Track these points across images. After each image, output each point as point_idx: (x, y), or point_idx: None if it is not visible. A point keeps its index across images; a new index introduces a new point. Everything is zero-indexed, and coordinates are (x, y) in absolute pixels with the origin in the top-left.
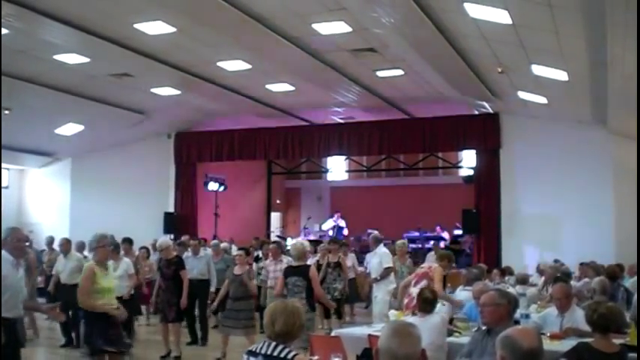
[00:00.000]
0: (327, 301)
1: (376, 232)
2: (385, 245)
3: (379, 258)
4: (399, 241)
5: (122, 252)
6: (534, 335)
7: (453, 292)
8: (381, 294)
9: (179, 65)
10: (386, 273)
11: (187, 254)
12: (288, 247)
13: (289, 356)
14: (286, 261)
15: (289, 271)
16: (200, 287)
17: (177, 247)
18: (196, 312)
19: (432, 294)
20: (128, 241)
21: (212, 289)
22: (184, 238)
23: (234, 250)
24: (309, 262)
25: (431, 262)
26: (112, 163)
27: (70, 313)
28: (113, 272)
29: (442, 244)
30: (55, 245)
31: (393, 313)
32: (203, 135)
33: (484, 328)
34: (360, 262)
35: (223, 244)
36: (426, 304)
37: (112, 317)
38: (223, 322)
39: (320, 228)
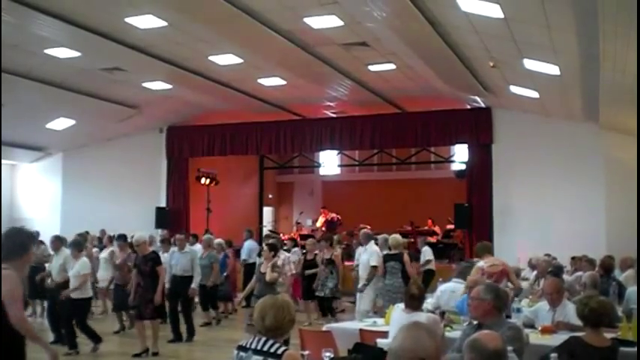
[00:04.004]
0: (416, 281)
1: (366, 229)
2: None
3: (368, 255)
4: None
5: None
6: (499, 338)
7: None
8: (366, 291)
9: (170, 59)
10: (371, 272)
11: (174, 249)
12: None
13: (279, 351)
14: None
15: (388, 257)
16: (182, 284)
17: (161, 244)
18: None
19: (419, 290)
20: (122, 238)
21: (194, 285)
22: (162, 233)
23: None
24: (294, 257)
25: (494, 258)
26: (103, 158)
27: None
28: (71, 271)
29: (434, 239)
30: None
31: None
32: (195, 129)
33: (475, 322)
34: (350, 256)
35: (217, 240)
36: (412, 300)
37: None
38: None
39: (312, 223)
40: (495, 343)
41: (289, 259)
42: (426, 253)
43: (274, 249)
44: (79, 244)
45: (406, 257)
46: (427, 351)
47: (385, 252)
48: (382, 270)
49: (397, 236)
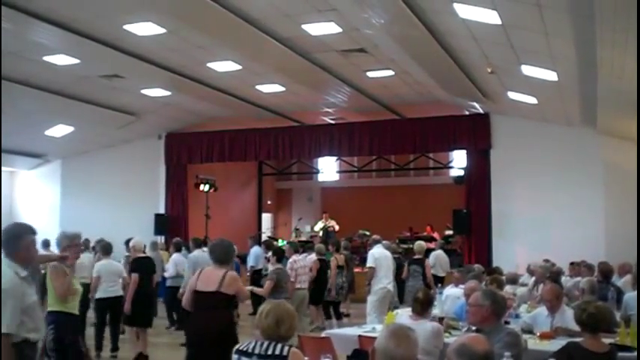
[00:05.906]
0: (431, 283)
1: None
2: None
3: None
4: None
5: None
6: (485, 340)
7: (442, 291)
8: (370, 295)
9: (169, 66)
10: (368, 274)
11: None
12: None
13: (284, 352)
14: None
15: (412, 261)
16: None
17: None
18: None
19: (425, 295)
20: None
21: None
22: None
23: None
24: (300, 262)
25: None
26: (102, 165)
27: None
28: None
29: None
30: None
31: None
32: (193, 136)
33: (473, 328)
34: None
35: None
36: (417, 304)
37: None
38: None
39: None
40: (484, 346)
41: (297, 263)
42: (432, 258)
43: (276, 254)
44: (109, 248)
45: (427, 262)
46: (414, 353)
47: (412, 258)
48: (406, 273)
49: (421, 242)
